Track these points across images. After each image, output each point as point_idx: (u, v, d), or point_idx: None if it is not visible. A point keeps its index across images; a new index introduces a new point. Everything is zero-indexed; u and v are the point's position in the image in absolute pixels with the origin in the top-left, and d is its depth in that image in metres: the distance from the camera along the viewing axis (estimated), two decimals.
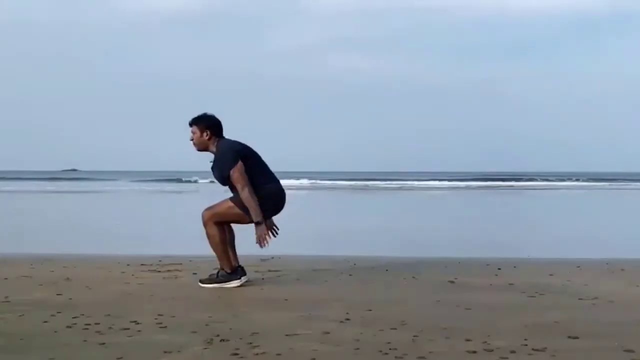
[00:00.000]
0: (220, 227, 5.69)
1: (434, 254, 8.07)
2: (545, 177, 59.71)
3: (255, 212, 5.51)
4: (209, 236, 5.68)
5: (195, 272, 6.41)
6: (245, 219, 5.64)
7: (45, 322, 4.30)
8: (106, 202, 24.63)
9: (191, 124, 5.77)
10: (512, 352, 3.61)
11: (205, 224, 5.67)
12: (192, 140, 5.77)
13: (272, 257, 7.37)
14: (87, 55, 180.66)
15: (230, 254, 5.77)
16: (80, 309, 4.67)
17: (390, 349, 3.66)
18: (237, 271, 5.75)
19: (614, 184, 48.07)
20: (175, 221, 15.13)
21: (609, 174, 70.28)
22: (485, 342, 3.81)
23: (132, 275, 6.28)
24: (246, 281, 5.77)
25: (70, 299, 5.11)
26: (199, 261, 7.07)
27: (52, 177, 58.40)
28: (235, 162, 5.57)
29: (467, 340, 3.85)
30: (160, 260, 7.19)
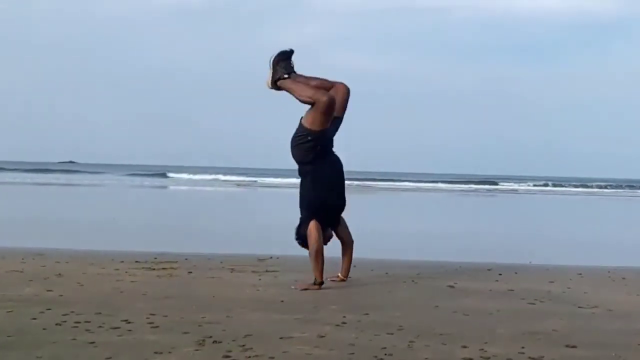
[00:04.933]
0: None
1: (435, 258, 7.99)
2: (553, 181, 59.49)
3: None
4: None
5: (190, 270, 6.34)
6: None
7: (34, 319, 4.23)
8: (91, 196, 24.39)
9: None
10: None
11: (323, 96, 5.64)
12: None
13: (271, 257, 7.30)
14: (86, 48, 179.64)
15: None
16: (71, 306, 4.60)
17: (385, 354, 3.62)
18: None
19: (621, 191, 47.87)
20: (167, 217, 15.01)
21: (617, 180, 69.92)
22: (482, 349, 3.76)
23: (126, 272, 6.19)
24: None
25: (61, 295, 5.03)
26: (195, 259, 7.01)
27: (47, 169, 57.96)
28: None
29: (464, 347, 3.80)
30: (155, 258, 7.09)
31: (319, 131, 5.62)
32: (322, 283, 5.61)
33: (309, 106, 5.63)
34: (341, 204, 5.85)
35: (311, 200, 5.70)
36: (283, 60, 5.78)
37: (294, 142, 5.73)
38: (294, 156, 5.78)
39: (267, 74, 5.81)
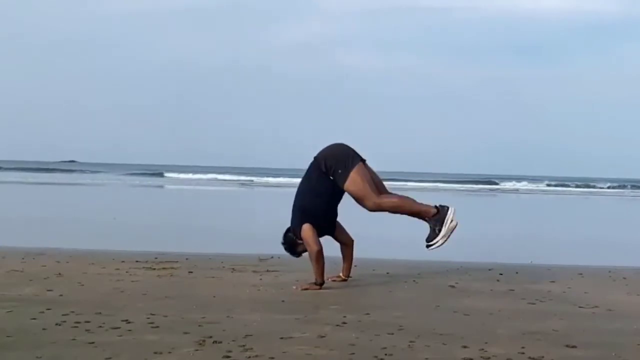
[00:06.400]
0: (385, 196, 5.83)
1: (435, 258, 7.97)
2: (554, 181, 59.37)
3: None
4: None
5: (191, 270, 6.33)
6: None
7: (34, 319, 4.24)
8: (90, 196, 24.24)
9: None
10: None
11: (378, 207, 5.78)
12: None
13: (272, 257, 7.29)
14: (87, 47, 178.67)
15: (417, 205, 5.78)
16: (71, 306, 4.60)
17: (385, 354, 3.62)
18: (441, 210, 5.71)
19: (623, 191, 47.73)
20: (167, 217, 14.95)
21: (620, 180, 69.66)
22: (482, 349, 3.75)
23: (126, 272, 6.20)
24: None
25: (61, 295, 5.04)
26: (196, 259, 7.00)
27: (46, 167, 57.88)
28: None
29: (464, 347, 3.79)
30: (156, 258, 7.08)
31: (342, 189, 5.69)
32: (322, 283, 5.60)
33: (364, 164, 5.75)
34: (333, 216, 5.89)
35: (308, 207, 5.69)
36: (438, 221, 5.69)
37: (329, 158, 5.70)
38: (323, 151, 5.77)
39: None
